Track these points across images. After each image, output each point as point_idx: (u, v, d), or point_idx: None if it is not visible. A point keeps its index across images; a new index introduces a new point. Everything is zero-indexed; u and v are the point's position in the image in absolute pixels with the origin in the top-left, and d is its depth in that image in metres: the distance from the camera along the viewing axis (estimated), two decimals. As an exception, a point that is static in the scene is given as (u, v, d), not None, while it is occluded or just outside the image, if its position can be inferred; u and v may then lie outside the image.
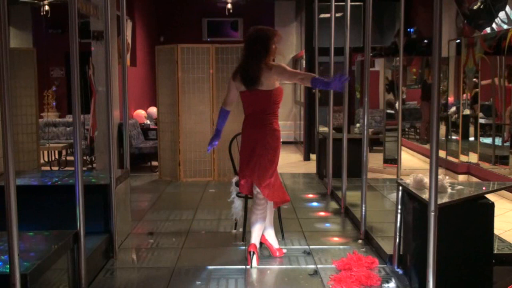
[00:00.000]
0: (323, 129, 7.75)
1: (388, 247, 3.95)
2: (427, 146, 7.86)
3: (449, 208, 3.15)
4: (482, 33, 7.20)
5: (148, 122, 9.39)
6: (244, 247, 4.31)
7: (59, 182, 4.25)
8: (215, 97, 7.23)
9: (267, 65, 3.77)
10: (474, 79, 7.45)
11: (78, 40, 3.16)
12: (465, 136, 7.68)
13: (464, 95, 7.72)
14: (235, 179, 4.41)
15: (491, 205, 3.24)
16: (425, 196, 3.15)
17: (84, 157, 7.63)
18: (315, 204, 6.02)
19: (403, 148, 6.96)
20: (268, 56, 3.80)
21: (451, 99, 8.16)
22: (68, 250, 3.08)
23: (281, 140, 3.97)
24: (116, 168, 4.25)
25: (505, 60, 6.74)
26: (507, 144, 6.81)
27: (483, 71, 7.32)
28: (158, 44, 9.58)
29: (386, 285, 3.52)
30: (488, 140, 7.28)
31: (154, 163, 8.12)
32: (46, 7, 8.92)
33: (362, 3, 8.60)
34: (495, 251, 3.62)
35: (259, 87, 3.78)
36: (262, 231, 3.98)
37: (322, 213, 5.60)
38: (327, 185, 6.36)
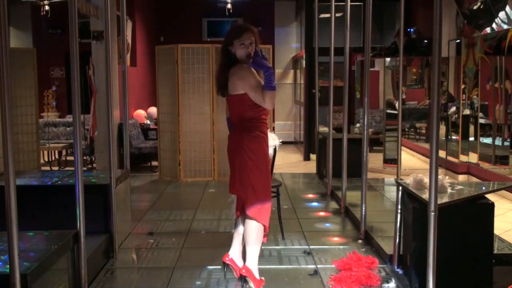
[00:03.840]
0: (323, 129, 7.75)
1: (388, 247, 3.95)
2: (427, 146, 7.86)
3: (449, 208, 3.15)
4: (482, 33, 7.20)
5: (148, 122, 9.39)
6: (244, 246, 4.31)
7: (59, 182, 4.25)
8: (215, 97, 7.22)
9: None
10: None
11: (78, 40, 3.16)
12: (465, 136, 7.68)
13: (463, 95, 7.72)
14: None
15: (491, 205, 3.24)
16: (425, 196, 3.15)
17: (84, 157, 7.62)
18: (315, 204, 6.02)
19: (403, 148, 6.96)
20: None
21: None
22: (68, 250, 3.08)
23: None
24: (116, 168, 4.24)
25: (505, 60, 6.74)
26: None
27: (483, 71, 7.32)
28: (158, 44, 9.57)
29: (386, 285, 3.52)
30: (488, 140, 7.28)
31: (154, 163, 8.11)
32: (46, 7, 8.91)
33: (362, 3, 8.60)
34: (495, 251, 3.62)
35: None
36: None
37: (322, 213, 5.60)
38: (327, 185, 6.36)
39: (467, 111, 7.68)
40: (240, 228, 3.57)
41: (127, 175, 4.72)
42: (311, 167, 8.44)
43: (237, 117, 3.41)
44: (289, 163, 9.00)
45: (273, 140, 4.38)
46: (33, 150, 6.39)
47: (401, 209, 3.66)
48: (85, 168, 6.91)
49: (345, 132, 5.44)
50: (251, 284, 3.38)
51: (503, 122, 6.85)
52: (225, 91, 3.42)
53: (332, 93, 6.08)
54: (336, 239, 4.65)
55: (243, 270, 3.39)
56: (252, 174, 3.36)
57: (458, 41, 7.88)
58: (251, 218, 3.40)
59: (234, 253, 3.56)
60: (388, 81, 8.98)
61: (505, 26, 6.60)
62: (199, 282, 3.62)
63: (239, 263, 3.53)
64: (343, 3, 5.31)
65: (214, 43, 7.53)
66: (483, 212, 3.24)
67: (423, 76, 9.11)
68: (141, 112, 9.53)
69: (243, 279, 3.40)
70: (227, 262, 3.52)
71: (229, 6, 10.51)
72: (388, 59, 8.91)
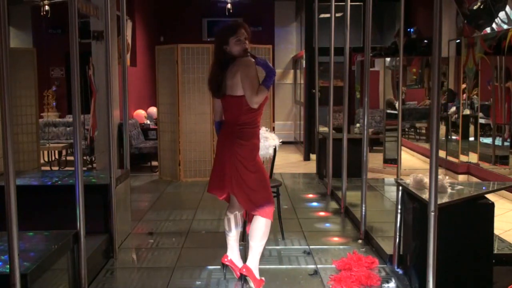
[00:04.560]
0: (323, 129, 7.75)
1: (388, 247, 3.95)
2: (427, 146, 7.86)
3: (449, 208, 3.15)
4: (482, 33, 7.20)
5: (148, 122, 9.39)
6: (243, 247, 4.31)
7: (59, 182, 4.25)
8: (215, 97, 7.22)
9: None
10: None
11: (78, 40, 3.16)
12: (465, 136, 7.68)
13: (464, 95, 7.73)
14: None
15: (491, 205, 3.24)
16: (425, 196, 3.15)
17: (84, 157, 7.62)
18: (315, 204, 6.02)
19: (403, 148, 6.96)
20: None
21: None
22: (68, 250, 3.08)
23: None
24: (116, 168, 4.24)
25: (505, 60, 6.74)
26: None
27: (483, 71, 7.32)
28: (158, 44, 9.57)
29: (386, 285, 3.52)
30: (488, 140, 7.28)
31: (154, 163, 8.11)
32: (46, 7, 8.91)
33: (362, 3, 8.60)
34: (495, 251, 3.62)
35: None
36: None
37: (322, 213, 5.60)
38: (327, 185, 6.36)
39: (467, 111, 7.68)
40: (239, 228, 3.57)
41: (127, 175, 4.72)
42: (311, 167, 8.44)
43: (232, 120, 3.37)
44: (289, 163, 9.00)
45: (273, 140, 4.38)
46: (33, 150, 6.39)
47: (401, 209, 3.66)
48: (85, 168, 6.91)
49: (345, 132, 5.44)
50: (251, 284, 3.38)
51: (504, 122, 6.85)
52: (221, 92, 3.38)
53: (332, 93, 6.07)
54: (336, 239, 4.65)
55: (244, 270, 3.39)
56: (249, 179, 3.33)
57: (458, 41, 7.88)
58: (260, 216, 3.38)
59: (233, 253, 3.55)
60: (388, 81, 8.99)
61: (505, 26, 6.60)
62: (199, 282, 3.62)
63: (239, 263, 3.53)
64: (343, 3, 5.31)
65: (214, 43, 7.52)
66: (483, 212, 3.24)
67: (423, 76, 9.12)
68: (141, 112, 9.53)
69: (243, 278, 3.40)
70: (226, 263, 3.52)
71: (229, 6, 10.51)
72: (388, 59, 8.92)
